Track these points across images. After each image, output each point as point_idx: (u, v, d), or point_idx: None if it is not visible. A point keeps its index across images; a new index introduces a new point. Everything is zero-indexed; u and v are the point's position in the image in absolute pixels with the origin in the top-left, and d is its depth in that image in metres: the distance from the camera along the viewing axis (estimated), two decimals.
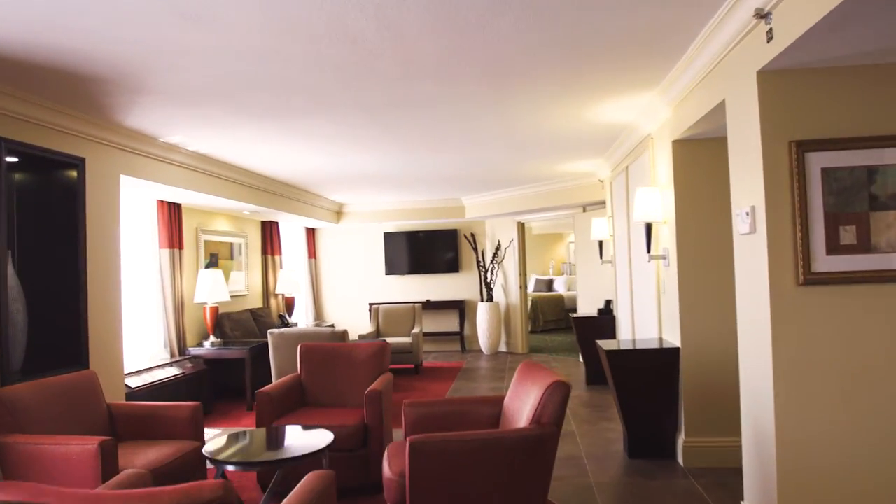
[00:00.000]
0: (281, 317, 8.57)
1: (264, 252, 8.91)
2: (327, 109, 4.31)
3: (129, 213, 6.03)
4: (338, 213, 10.12)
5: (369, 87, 3.81)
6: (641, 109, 4.50)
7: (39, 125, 3.95)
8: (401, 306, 8.78)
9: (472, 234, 10.16)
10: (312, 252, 10.52)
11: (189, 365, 6.08)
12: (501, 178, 7.76)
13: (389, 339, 8.16)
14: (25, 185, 4.26)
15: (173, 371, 5.77)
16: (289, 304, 8.89)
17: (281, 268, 9.09)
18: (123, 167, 4.77)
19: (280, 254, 9.16)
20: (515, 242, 9.68)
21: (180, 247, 6.55)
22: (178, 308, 6.44)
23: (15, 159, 4.04)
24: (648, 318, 4.96)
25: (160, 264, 6.31)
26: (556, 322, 12.71)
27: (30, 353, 4.18)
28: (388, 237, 10.43)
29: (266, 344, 6.51)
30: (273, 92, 3.86)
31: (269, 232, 8.95)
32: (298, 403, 4.42)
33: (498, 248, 9.84)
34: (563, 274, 14.92)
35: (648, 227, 4.37)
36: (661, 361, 4.10)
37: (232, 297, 7.86)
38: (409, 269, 10.37)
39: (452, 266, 10.26)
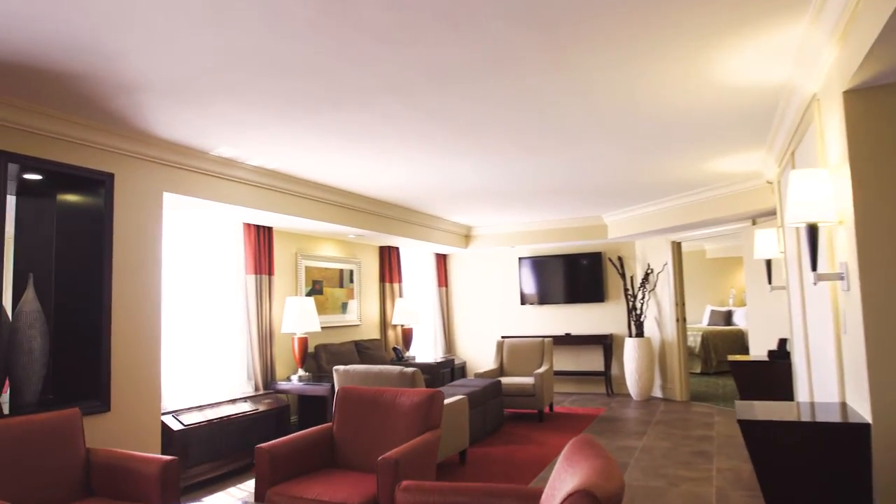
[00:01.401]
0: (395, 350, 7.86)
1: (382, 279, 8.32)
2: (413, 110, 3.46)
3: (213, 237, 5.70)
4: (465, 237, 9.27)
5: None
6: (795, 54, 3.03)
7: (56, 138, 3.60)
8: (528, 341, 7.60)
9: (620, 258, 8.69)
10: (443, 280, 9.76)
11: (268, 401, 5.53)
12: (640, 188, 6.35)
13: (508, 379, 7.02)
14: (53, 205, 3.97)
15: (246, 407, 5.24)
16: (406, 336, 8.16)
17: (401, 296, 8.43)
18: (166, 183, 4.34)
19: (399, 281, 8.51)
20: (670, 266, 8.03)
21: (270, 273, 6.12)
22: (265, 338, 5.97)
23: (37, 177, 3.75)
24: (826, 368, 3.33)
25: (245, 291, 5.90)
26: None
27: (51, 385, 3.83)
28: (524, 263, 9.33)
29: None
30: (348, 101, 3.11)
31: (388, 258, 8.35)
32: (326, 462, 3.53)
33: (648, 274, 8.26)
34: (745, 305, 12.51)
35: (812, 232, 2.84)
36: (835, 444, 2.55)
37: (338, 326, 7.33)
38: (546, 299, 9.15)
39: (596, 295, 8.85)
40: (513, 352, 7.60)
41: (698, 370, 10.39)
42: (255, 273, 5.94)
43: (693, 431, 6.05)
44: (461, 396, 5.12)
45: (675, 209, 7.05)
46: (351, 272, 7.72)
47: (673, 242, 8.05)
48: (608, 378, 8.62)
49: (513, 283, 9.48)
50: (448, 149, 4.65)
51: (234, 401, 5.30)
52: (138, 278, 4.10)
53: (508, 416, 7.20)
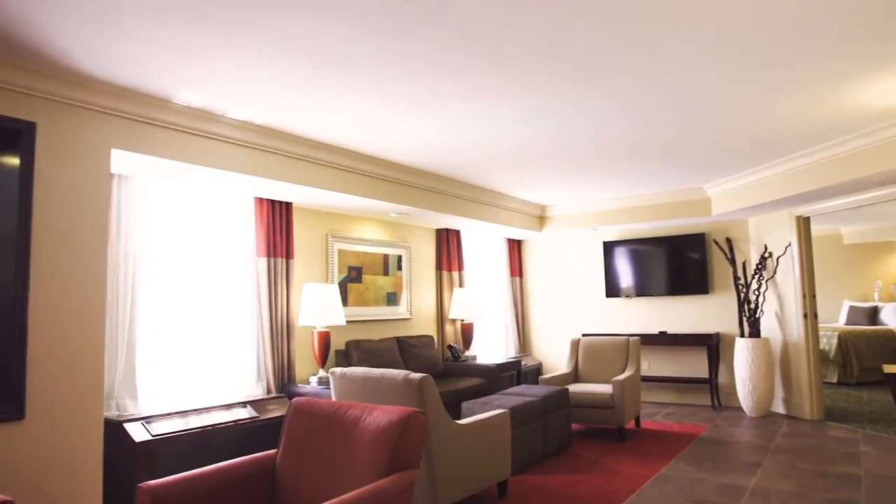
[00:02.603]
0: (451, 348, 6.75)
1: (439, 267, 7.24)
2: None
3: (215, 213, 4.87)
4: (539, 219, 7.98)
5: None
6: None
7: None
8: (609, 340, 6.23)
9: (728, 240, 7.06)
10: (516, 269, 8.52)
11: (275, 406, 4.62)
12: (752, 140, 4.83)
13: (581, 387, 5.70)
14: None
15: (242, 414, 4.35)
16: (465, 333, 7.03)
17: (461, 286, 7.31)
18: (114, 138, 3.48)
19: (460, 269, 7.39)
20: (794, 248, 6.34)
21: (288, 255, 5.21)
22: (281, 332, 5.07)
23: None
24: None
25: (256, 277, 5.03)
26: (881, 371, 8.47)
27: None
28: (609, 248, 7.89)
29: None
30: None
31: (447, 242, 7.25)
32: (263, 499, 2.49)
33: (765, 258, 6.59)
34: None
35: None
36: None
37: (382, 320, 6.34)
38: (636, 291, 7.67)
39: (698, 285, 7.26)
40: (590, 353, 6.25)
41: (834, 379, 8.45)
42: (268, 256, 5.05)
43: (830, 466, 4.47)
44: (500, 411, 3.92)
45: (800, 171, 5.41)
46: (399, 258, 6.70)
47: (798, 218, 6.34)
48: (714, 387, 7.03)
49: (597, 272, 8.07)
50: (502, 92, 3.48)
51: (229, 406, 4.41)
52: (73, 255, 3.26)
53: (580, 432, 5.88)
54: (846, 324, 9.83)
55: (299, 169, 4.67)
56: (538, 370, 8.14)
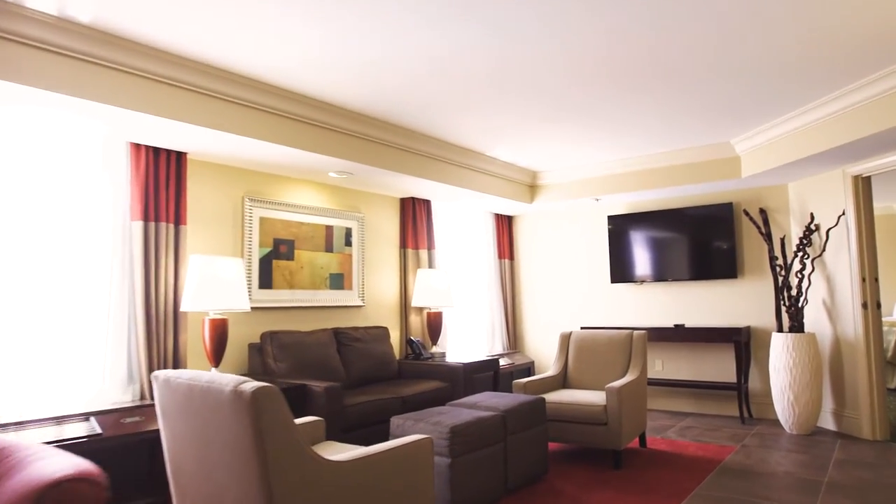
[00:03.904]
0: (411, 343, 5.46)
1: (403, 244, 5.95)
2: None
3: (69, 159, 3.64)
4: (530, 188, 6.64)
5: None
6: None
7: None
8: (607, 335, 4.88)
9: (763, 211, 5.64)
10: (505, 250, 7.19)
11: (133, 419, 3.39)
12: (789, 71, 3.44)
13: (566, 395, 4.36)
14: None
15: (77, 431, 3.11)
16: (433, 324, 5.73)
17: (431, 267, 6.01)
18: None
19: (430, 248, 6.09)
20: (850, 218, 4.91)
21: (178, 221, 3.98)
22: (162, 320, 3.84)
23: None
24: None
25: (130, 247, 3.80)
26: None
27: None
28: (615, 224, 6.52)
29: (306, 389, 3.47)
30: None
31: (413, 214, 5.96)
32: None
33: (811, 232, 5.17)
34: None
35: None
36: None
37: (323, 307, 5.09)
38: (647, 275, 6.29)
39: (724, 268, 5.86)
40: (584, 351, 4.91)
41: (892, 385, 6.97)
42: (147, 219, 3.81)
43: None
44: (416, 438, 2.61)
45: (860, 110, 4.00)
46: (348, 231, 5.42)
47: (855, 178, 4.90)
48: (743, 395, 5.64)
49: (601, 252, 6.70)
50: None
51: (62, 419, 3.20)
52: None
53: (563, 454, 4.55)
54: None
55: (186, 103, 3.43)
56: (528, 370, 6.81)
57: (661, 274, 6.18)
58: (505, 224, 7.24)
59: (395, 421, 3.45)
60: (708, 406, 5.94)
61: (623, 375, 4.62)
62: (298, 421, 2.99)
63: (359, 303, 5.43)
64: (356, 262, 5.46)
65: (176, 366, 3.90)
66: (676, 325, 5.89)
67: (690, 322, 6.09)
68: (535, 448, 3.80)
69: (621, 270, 6.44)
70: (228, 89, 3.65)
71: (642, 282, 6.32)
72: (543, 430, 3.91)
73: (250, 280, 4.58)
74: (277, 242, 4.81)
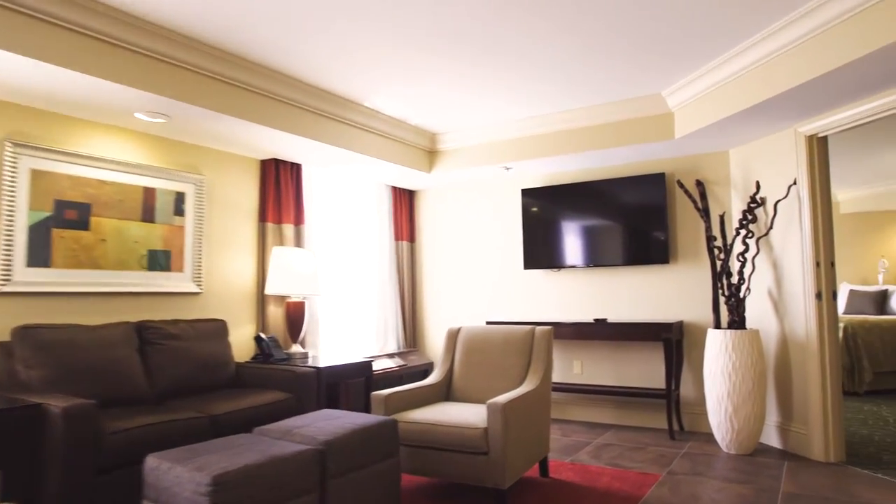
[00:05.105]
0: (260, 341, 4.25)
1: (263, 218, 4.73)
2: None
3: None
4: (429, 153, 5.51)
5: None
6: None
7: None
8: (504, 332, 3.79)
9: (699, 183, 4.67)
10: (404, 230, 6.06)
11: None
12: None
13: (438, 414, 3.24)
14: None
15: None
16: (293, 317, 4.53)
17: (299, 246, 4.81)
18: None
19: (299, 222, 4.89)
20: (804, 187, 3.97)
21: None
22: None
23: None
24: None
25: None
26: None
27: None
28: (530, 199, 5.46)
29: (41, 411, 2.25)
30: None
31: (277, 180, 4.76)
32: None
33: (756, 205, 4.22)
34: None
35: None
36: None
37: (136, 294, 3.85)
38: (564, 260, 5.26)
39: (655, 251, 4.87)
40: (472, 353, 3.81)
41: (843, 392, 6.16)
42: None
43: None
44: None
45: (804, 47, 3.03)
46: (180, 197, 4.17)
47: (808, 139, 3.97)
48: (673, 403, 4.68)
49: (513, 233, 5.65)
50: None
51: None
52: None
53: (431, 493, 3.44)
54: (846, 312, 7.60)
55: None
56: (426, 373, 5.70)
57: (583, 259, 5.16)
58: (405, 200, 6.10)
59: (151, 462, 2.26)
60: (633, 417, 4.96)
61: (521, 383, 3.55)
62: None
63: (193, 289, 4.19)
64: (190, 237, 4.22)
65: None
66: (597, 320, 4.88)
67: (615, 316, 5.10)
68: (378, 492, 2.67)
69: (537, 254, 5.39)
70: None
71: (560, 268, 5.29)
72: (393, 466, 2.79)
73: (11, 255, 3.29)
74: (61, 205, 3.52)
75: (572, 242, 5.21)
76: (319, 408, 3.79)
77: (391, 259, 5.85)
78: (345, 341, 5.36)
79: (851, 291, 7.80)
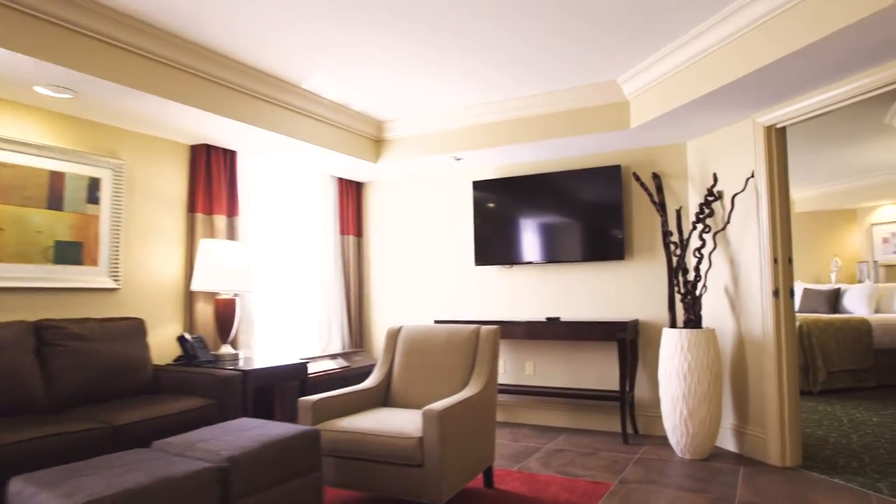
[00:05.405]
0: (184, 342, 3.89)
1: (193, 208, 4.36)
2: None
3: None
4: (376, 142, 5.21)
5: None
6: None
7: None
8: (447, 332, 3.52)
9: (656, 176, 4.48)
10: (351, 223, 5.74)
11: None
12: None
13: (368, 423, 2.95)
14: None
15: None
16: (222, 315, 4.17)
17: (233, 240, 4.45)
18: None
19: (233, 213, 4.53)
20: (762, 180, 3.80)
21: None
22: None
23: None
24: None
25: None
26: (854, 375, 6.23)
27: None
28: (482, 192, 5.21)
29: None
30: None
31: (208, 167, 4.40)
32: None
33: (713, 198, 4.05)
34: (860, 281, 8.10)
35: None
36: None
37: (37, 290, 3.45)
38: (516, 256, 5.02)
39: (610, 247, 4.67)
40: (413, 354, 3.53)
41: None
42: None
43: None
44: None
45: (760, 31, 2.84)
46: (94, 183, 3.78)
47: (767, 130, 3.80)
48: (628, 405, 4.50)
49: (464, 227, 5.39)
50: None
51: None
52: None
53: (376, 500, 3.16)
54: (800, 311, 7.58)
55: None
56: (370, 375, 5.39)
57: (537, 255, 4.93)
58: (351, 192, 5.78)
59: (15, 486, 1.92)
60: (587, 420, 4.75)
61: (464, 387, 3.28)
62: None
63: (109, 284, 3.80)
64: (107, 228, 3.83)
65: None
66: (549, 319, 4.66)
67: (570, 315, 4.89)
68: None
69: (489, 250, 5.14)
70: None
71: (513, 264, 5.05)
72: (313, 482, 2.49)
73: None
74: None
75: (526, 238, 4.97)
76: (245, 415, 3.46)
77: (336, 254, 5.53)
78: (284, 341, 5.03)
79: (805, 290, 7.79)
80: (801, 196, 8.72)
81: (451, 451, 2.74)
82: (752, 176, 3.84)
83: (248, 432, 2.43)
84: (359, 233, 5.84)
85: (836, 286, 7.67)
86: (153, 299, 4.07)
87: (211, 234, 4.38)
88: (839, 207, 8.49)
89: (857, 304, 7.26)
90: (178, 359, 3.92)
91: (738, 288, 3.96)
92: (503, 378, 5.08)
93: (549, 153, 4.81)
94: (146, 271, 4.04)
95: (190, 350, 3.83)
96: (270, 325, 4.90)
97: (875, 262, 8.01)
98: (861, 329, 6.33)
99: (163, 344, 4.08)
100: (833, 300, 7.53)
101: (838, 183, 8.23)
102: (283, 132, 4.23)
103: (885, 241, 8.02)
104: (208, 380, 3.42)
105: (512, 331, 4.58)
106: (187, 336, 3.87)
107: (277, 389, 4.34)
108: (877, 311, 7.18)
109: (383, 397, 3.49)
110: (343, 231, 5.66)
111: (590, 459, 3.86)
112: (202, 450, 2.21)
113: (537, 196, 4.94)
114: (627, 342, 4.27)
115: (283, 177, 5.17)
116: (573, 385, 4.81)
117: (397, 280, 5.67)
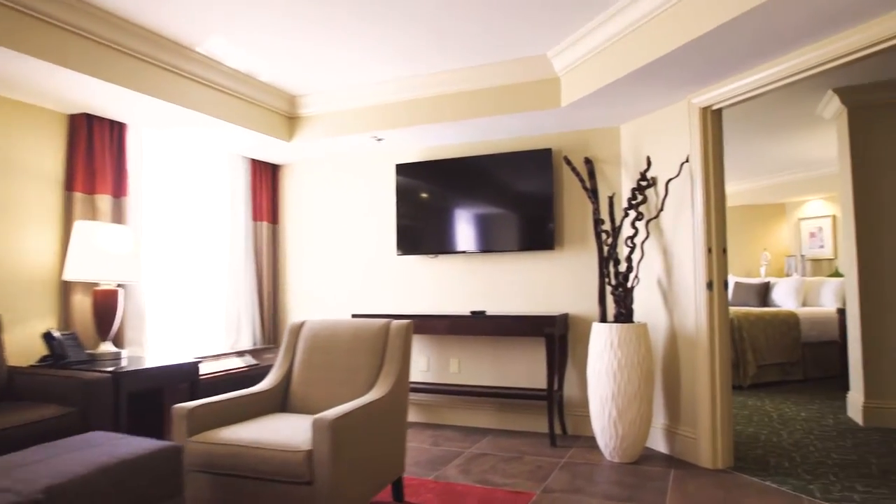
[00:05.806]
0: (50, 340, 3.36)
1: (71, 187, 3.80)
2: None
3: None
4: (289, 119, 4.76)
5: None
6: None
7: None
8: (353, 327, 3.13)
9: (588, 161, 4.21)
10: (265, 209, 5.27)
11: None
12: None
13: (254, 430, 2.54)
14: None
15: None
16: (102, 308, 3.65)
17: (121, 223, 3.91)
18: None
19: (122, 194, 3.99)
20: (696, 165, 3.57)
21: None
22: None
23: None
24: None
25: None
26: (782, 368, 6.20)
27: None
28: (405, 175, 4.83)
29: None
30: None
31: (90, 141, 3.84)
32: None
33: (646, 183, 3.81)
34: (788, 275, 8.16)
35: None
36: None
37: None
38: (441, 245, 4.67)
39: (539, 236, 4.38)
40: (316, 352, 3.13)
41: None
42: None
43: None
44: None
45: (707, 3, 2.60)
46: None
47: (703, 111, 3.58)
48: (556, 405, 4.23)
49: (387, 214, 5.00)
50: None
51: None
52: None
53: None
54: (731, 304, 7.56)
55: None
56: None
57: (463, 244, 4.60)
58: (266, 175, 5.30)
59: None
60: (515, 420, 4.47)
61: (370, 389, 2.91)
62: None
63: None
64: None
65: None
66: (474, 313, 4.33)
67: (497, 308, 4.58)
68: None
69: (412, 239, 4.77)
70: None
71: (437, 254, 4.70)
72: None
73: None
74: None
75: (451, 225, 4.63)
76: (117, 425, 2.98)
77: (248, 242, 5.05)
78: (185, 338, 4.52)
79: (737, 283, 7.78)
80: (733, 190, 8.73)
81: (348, 464, 2.37)
82: (687, 160, 3.61)
83: (89, 451, 1.99)
84: (274, 219, 5.37)
85: (766, 280, 7.69)
86: (14, 290, 3.51)
87: (93, 215, 3.84)
88: (769, 202, 8.55)
89: (785, 297, 7.27)
90: (44, 359, 3.38)
91: (672, 280, 3.74)
92: (426, 376, 4.74)
93: (476, 135, 4.48)
94: (7, 258, 3.48)
95: (58, 349, 3.31)
96: (168, 321, 4.39)
97: (802, 256, 8.08)
98: (789, 322, 6.30)
99: (27, 342, 3.53)
100: (763, 293, 7.54)
101: (769, 178, 8.27)
102: (179, 102, 3.73)
103: (813, 235, 8.11)
104: (72, 384, 2.92)
105: (435, 325, 4.23)
106: (55, 333, 3.35)
107: (169, 394, 3.86)
108: (804, 305, 7.21)
109: (281, 402, 3.08)
110: (256, 217, 5.18)
111: (513, 465, 3.56)
112: (15, 479, 1.76)
113: (464, 181, 4.60)
114: (556, 337, 3.99)
115: (186, 156, 4.65)
116: (500, 383, 4.51)
117: (315, 271, 5.23)
